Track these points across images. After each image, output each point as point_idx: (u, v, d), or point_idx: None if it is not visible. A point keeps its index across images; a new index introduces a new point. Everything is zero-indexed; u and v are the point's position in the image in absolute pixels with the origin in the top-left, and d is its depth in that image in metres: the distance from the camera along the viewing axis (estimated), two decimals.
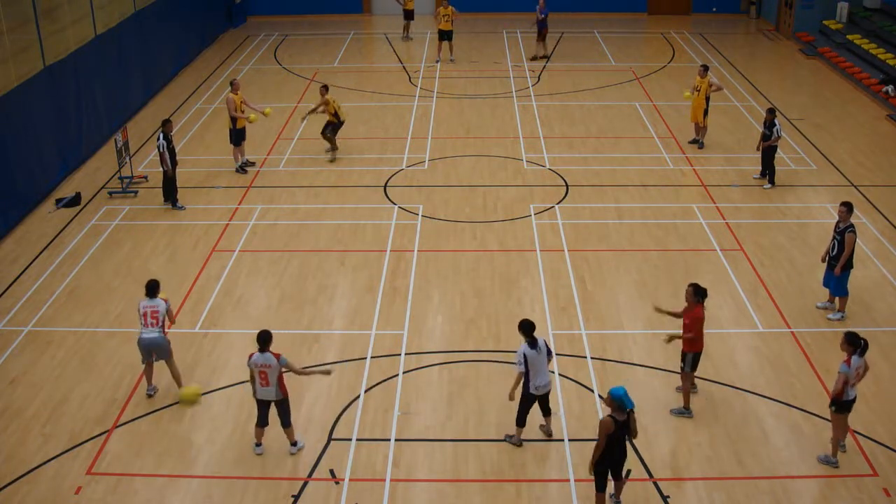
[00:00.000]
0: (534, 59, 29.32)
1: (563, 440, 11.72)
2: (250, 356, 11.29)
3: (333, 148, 20.91)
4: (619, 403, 9.80)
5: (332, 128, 20.79)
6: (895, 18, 28.66)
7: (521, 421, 11.55)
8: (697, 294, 11.79)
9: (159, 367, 12.82)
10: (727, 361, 13.34)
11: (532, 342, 11.13)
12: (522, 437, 11.69)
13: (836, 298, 14.50)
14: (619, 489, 10.53)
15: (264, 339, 11.24)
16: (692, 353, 11.97)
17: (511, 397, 11.42)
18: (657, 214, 18.05)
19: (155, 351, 12.47)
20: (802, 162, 20.75)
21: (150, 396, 12.65)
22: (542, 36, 29.24)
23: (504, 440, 11.73)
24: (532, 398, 11.38)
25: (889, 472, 11.17)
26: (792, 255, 16.42)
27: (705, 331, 12.05)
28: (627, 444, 10.23)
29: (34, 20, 19.05)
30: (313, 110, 20.89)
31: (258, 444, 11.67)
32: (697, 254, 16.52)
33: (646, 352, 13.57)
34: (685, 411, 12.20)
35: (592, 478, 10.23)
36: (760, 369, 13.20)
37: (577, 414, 12.10)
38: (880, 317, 14.55)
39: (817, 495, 10.85)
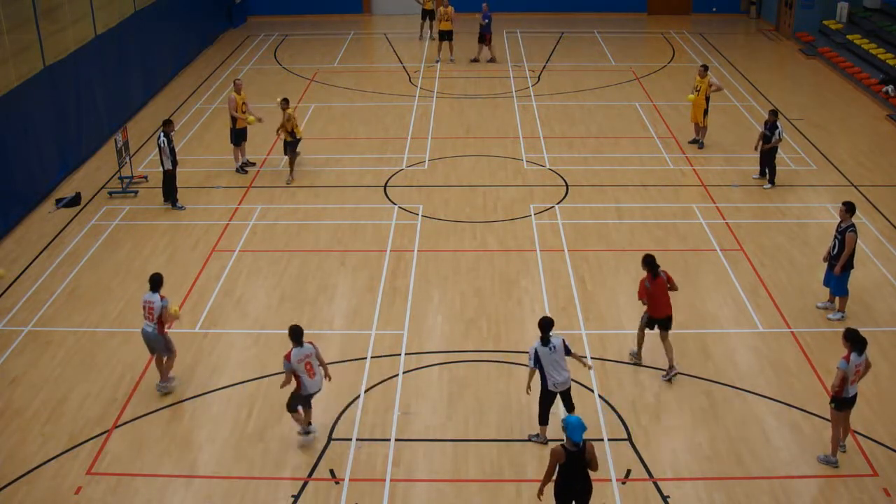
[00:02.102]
0: (474, 61, 29.02)
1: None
2: (287, 356, 11.24)
3: (291, 171, 19.70)
4: (567, 433, 9.37)
5: (291, 146, 19.52)
6: (895, 18, 28.66)
7: (543, 419, 11.58)
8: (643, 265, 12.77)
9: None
10: (727, 361, 13.34)
11: (545, 340, 11.18)
12: (521, 436, 11.69)
13: (836, 298, 14.50)
14: None
15: (299, 333, 11.30)
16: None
17: (528, 391, 11.55)
18: (657, 214, 18.05)
19: (148, 345, 12.53)
20: (802, 162, 20.75)
21: (165, 393, 12.59)
22: (484, 39, 28.83)
23: (528, 440, 11.71)
24: (551, 395, 11.44)
25: (889, 472, 11.16)
26: (792, 255, 16.42)
27: (705, 330, 12.04)
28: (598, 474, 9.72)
29: (34, 20, 19.04)
30: (280, 127, 19.47)
31: (309, 424, 11.73)
32: (697, 254, 16.52)
33: (646, 352, 13.56)
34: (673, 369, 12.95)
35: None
36: (760, 369, 13.20)
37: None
38: (880, 317, 14.54)
39: (817, 495, 10.85)
